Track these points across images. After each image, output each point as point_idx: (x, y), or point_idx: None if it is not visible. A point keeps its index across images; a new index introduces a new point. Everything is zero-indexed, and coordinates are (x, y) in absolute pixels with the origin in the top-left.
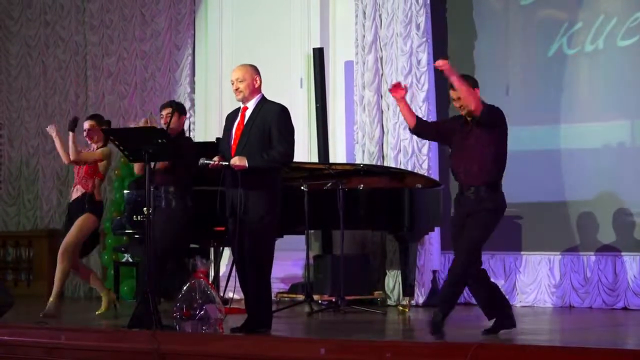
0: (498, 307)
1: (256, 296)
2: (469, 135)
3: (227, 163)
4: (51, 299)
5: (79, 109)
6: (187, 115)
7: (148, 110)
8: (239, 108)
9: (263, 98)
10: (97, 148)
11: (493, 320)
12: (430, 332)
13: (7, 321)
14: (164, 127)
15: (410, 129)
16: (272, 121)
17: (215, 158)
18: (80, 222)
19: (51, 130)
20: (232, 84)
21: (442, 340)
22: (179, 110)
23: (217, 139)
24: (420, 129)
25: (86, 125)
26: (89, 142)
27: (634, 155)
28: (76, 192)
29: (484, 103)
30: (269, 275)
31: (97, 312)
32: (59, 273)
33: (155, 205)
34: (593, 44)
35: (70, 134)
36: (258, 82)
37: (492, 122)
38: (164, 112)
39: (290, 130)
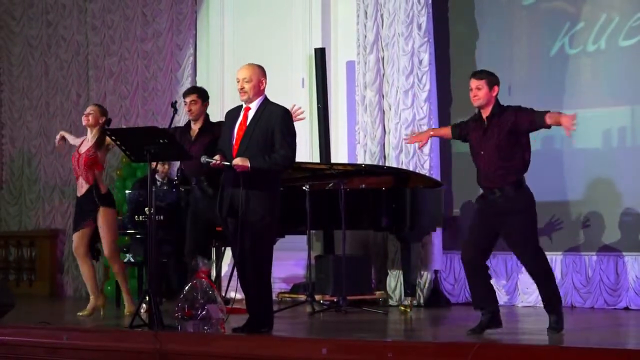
0: (490, 304)
1: (257, 296)
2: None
3: (228, 163)
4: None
5: (80, 108)
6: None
7: (150, 110)
8: (240, 106)
9: (266, 99)
10: (94, 134)
11: (480, 319)
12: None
13: (9, 321)
14: (188, 114)
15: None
16: (276, 124)
17: (217, 157)
18: (104, 221)
19: (68, 136)
20: (238, 82)
21: (443, 340)
22: (202, 96)
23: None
24: (460, 133)
25: (89, 109)
26: (85, 124)
27: (636, 156)
28: (82, 187)
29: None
30: (269, 275)
31: (79, 314)
32: (118, 275)
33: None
34: (595, 44)
35: (67, 135)
36: (264, 84)
37: None
38: (188, 99)
39: (293, 133)
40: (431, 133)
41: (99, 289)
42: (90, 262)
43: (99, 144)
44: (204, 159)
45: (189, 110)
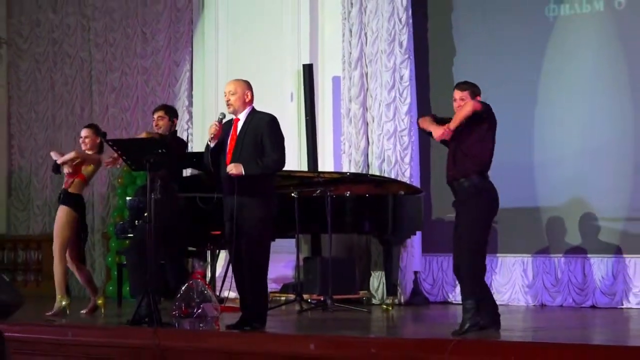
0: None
1: (253, 296)
2: None
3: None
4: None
5: (84, 121)
6: (186, 127)
7: (149, 122)
8: (231, 120)
9: (253, 109)
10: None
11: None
12: None
13: (17, 319)
14: (156, 129)
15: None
16: (264, 130)
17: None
18: (57, 218)
19: (54, 155)
20: (225, 95)
21: (423, 337)
22: (169, 113)
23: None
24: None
25: (83, 132)
26: (84, 148)
27: (600, 165)
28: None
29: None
30: (265, 276)
31: (83, 312)
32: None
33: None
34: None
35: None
36: (249, 96)
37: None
38: (156, 115)
39: (281, 138)
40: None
41: (63, 290)
42: (63, 264)
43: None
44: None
45: (156, 125)
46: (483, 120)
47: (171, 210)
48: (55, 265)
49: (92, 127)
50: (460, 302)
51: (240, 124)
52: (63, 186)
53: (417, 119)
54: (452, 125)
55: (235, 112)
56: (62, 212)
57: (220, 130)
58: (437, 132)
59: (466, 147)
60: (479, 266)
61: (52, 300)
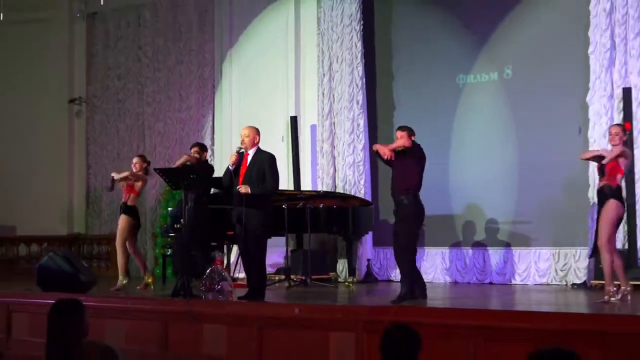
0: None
1: (255, 276)
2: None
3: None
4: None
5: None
6: (210, 159)
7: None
8: (243, 153)
9: (259, 149)
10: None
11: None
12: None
13: (93, 293)
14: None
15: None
16: (265, 164)
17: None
18: (119, 224)
19: (115, 175)
20: (241, 136)
21: (374, 304)
22: (202, 148)
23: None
24: None
25: (134, 160)
26: (134, 170)
27: (494, 185)
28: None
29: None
30: (264, 262)
31: (138, 287)
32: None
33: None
34: (470, 122)
35: (119, 175)
36: (258, 139)
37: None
38: (192, 150)
39: (276, 171)
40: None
41: (123, 272)
42: (124, 254)
43: (138, 178)
44: (238, 148)
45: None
46: (414, 154)
47: (200, 217)
48: (118, 255)
49: (140, 156)
50: (399, 280)
51: (249, 158)
52: (122, 200)
53: (371, 146)
54: (391, 147)
55: (247, 149)
56: (122, 219)
57: (237, 160)
58: (384, 152)
59: (402, 172)
60: (411, 256)
61: (116, 279)
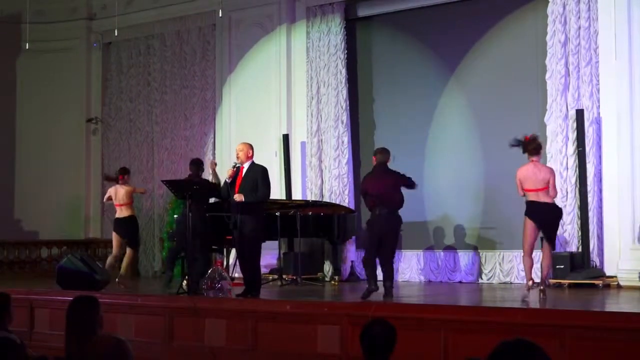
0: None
1: (251, 276)
2: None
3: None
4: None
5: (149, 169)
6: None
7: (186, 170)
8: (239, 167)
9: (253, 162)
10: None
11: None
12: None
13: (107, 290)
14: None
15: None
16: (258, 176)
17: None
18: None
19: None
20: (236, 152)
21: (356, 301)
22: (197, 165)
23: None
24: None
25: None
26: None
27: (464, 194)
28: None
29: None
30: (259, 263)
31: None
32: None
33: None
34: (441, 138)
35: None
36: (251, 153)
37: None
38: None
39: (268, 181)
40: None
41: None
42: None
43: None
44: (234, 163)
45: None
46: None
47: (202, 223)
48: (126, 256)
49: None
50: (381, 280)
51: (244, 170)
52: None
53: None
54: None
55: (241, 162)
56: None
57: (234, 173)
58: None
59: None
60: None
61: (126, 279)
